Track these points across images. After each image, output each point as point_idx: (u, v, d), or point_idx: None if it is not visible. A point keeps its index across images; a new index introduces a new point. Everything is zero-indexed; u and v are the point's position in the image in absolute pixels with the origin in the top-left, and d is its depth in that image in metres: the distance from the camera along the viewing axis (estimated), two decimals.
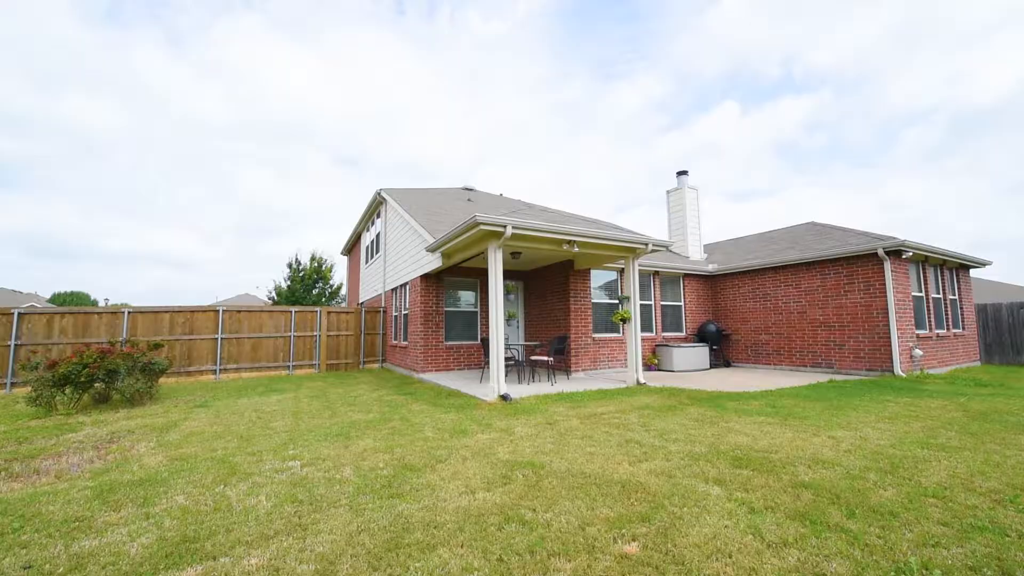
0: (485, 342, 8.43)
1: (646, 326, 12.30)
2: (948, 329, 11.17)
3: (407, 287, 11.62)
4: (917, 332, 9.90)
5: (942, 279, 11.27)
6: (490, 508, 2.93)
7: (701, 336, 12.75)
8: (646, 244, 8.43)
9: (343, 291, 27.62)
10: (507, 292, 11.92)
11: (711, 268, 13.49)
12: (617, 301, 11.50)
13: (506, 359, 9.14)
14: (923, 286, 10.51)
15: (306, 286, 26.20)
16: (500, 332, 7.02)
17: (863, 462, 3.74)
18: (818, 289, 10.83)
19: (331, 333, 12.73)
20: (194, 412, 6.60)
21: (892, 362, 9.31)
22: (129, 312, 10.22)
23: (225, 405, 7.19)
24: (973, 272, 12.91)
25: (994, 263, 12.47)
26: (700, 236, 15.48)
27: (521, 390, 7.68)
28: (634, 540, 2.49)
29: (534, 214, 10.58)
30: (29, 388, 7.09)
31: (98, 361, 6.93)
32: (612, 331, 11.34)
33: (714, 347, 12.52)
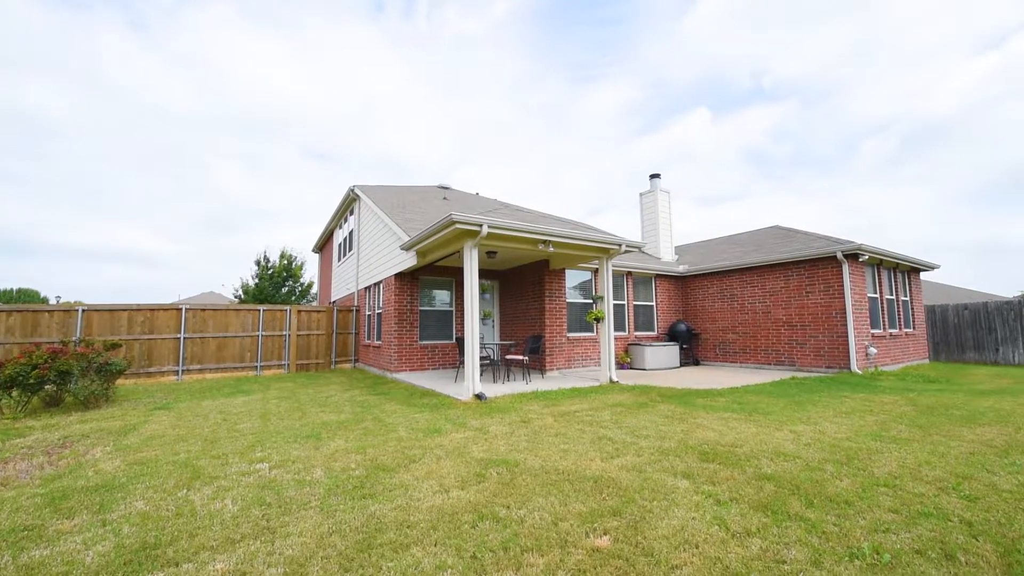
0: (460, 341, 8.40)
1: (619, 325, 12.51)
2: (900, 328, 11.81)
3: (381, 285, 11.46)
4: (872, 331, 10.44)
5: (895, 281, 11.91)
6: (464, 506, 2.94)
7: (672, 335, 13.06)
8: (619, 245, 8.58)
9: (314, 289, 26.98)
10: (482, 291, 11.91)
11: (682, 269, 13.84)
12: (591, 301, 11.66)
13: (481, 358, 9.14)
14: (878, 288, 11.08)
15: (275, 284, 25.45)
16: (475, 331, 7.01)
17: (821, 454, 3.92)
18: (782, 290, 11.27)
19: (301, 332, 12.42)
20: (154, 414, 6.32)
21: (849, 360, 9.78)
22: (84, 310, 9.70)
23: (188, 407, 6.92)
24: (923, 275, 13.70)
25: (942, 267, 13.29)
26: (671, 238, 15.86)
27: (496, 389, 7.70)
28: (606, 534, 2.54)
29: (510, 213, 10.61)
30: None
31: (49, 362, 6.55)
32: (586, 330, 11.49)
33: (684, 346, 12.86)
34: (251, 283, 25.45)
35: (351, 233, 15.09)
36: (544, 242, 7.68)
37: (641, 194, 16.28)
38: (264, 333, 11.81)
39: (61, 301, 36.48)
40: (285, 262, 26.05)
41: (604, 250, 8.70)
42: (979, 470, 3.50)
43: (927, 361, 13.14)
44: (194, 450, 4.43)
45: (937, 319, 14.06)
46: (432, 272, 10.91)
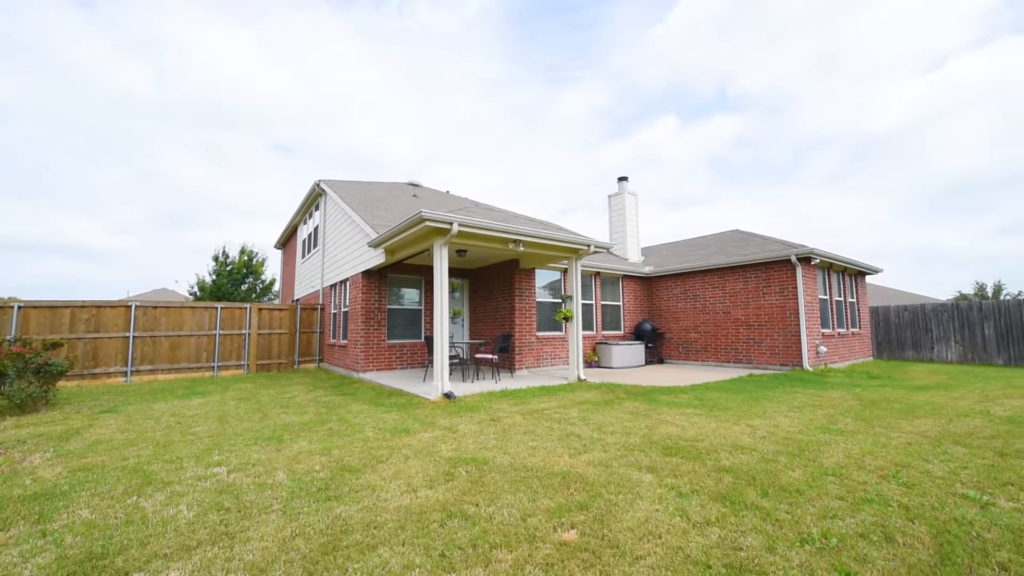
0: (429, 340, 8.33)
1: (587, 325, 12.72)
2: (848, 328, 12.55)
3: (347, 283, 11.19)
4: (822, 331, 11.04)
5: (843, 284, 12.64)
6: (432, 505, 2.92)
7: (638, 334, 13.39)
8: (588, 245, 8.72)
9: (276, 287, 26.06)
10: (452, 290, 11.84)
11: (648, 270, 14.20)
12: (560, 300, 11.79)
13: (451, 357, 9.09)
14: (827, 290, 11.74)
15: (234, 281, 24.43)
16: (445, 330, 6.97)
17: (775, 447, 4.13)
18: (740, 291, 11.76)
19: (262, 331, 11.97)
20: (100, 418, 5.95)
21: (802, 358, 10.31)
22: (20, 307, 9.00)
23: (138, 410, 6.55)
24: (868, 278, 14.60)
25: (885, 271, 14.20)
26: (638, 239, 16.24)
27: (465, 388, 7.67)
28: (573, 528, 2.59)
29: (481, 212, 10.58)
30: None
31: None
32: (555, 329, 11.62)
33: (649, 345, 13.20)
34: (208, 280, 24.33)
35: (316, 229, 14.67)
36: (515, 241, 7.71)
37: (609, 196, 16.59)
38: (222, 332, 11.31)
39: None
40: (245, 258, 25.04)
41: (573, 250, 8.83)
42: (916, 459, 3.78)
43: (871, 359, 14.02)
44: (145, 455, 4.20)
45: (880, 319, 15.02)
46: (401, 270, 10.75)
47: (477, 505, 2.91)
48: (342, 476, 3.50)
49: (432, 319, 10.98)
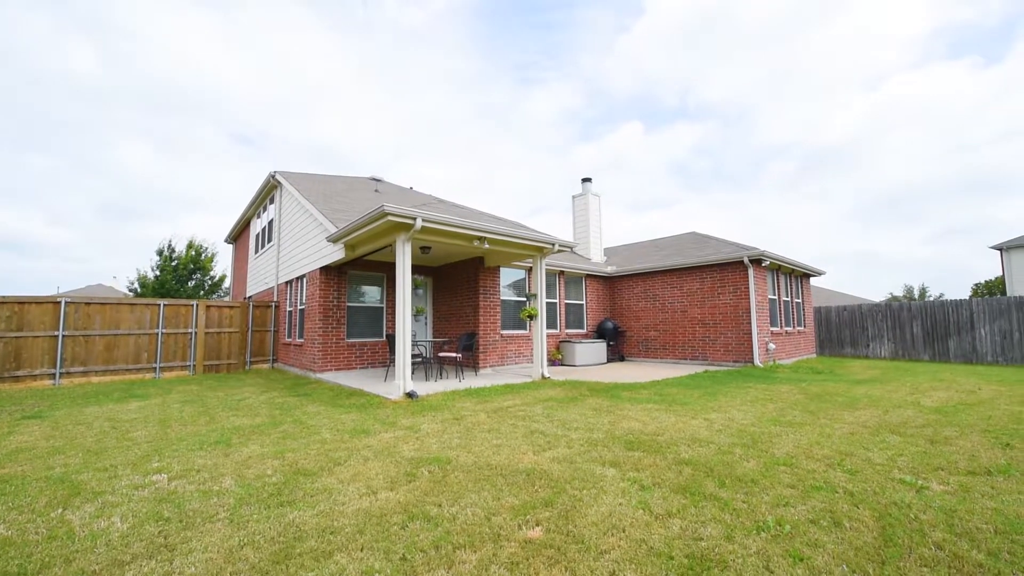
0: (391, 339, 8.11)
1: (551, 323, 12.80)
2: (794, 327, 13.28)
3: (304, 280, 10.75)
4: (772, 329, 11.62)
5: (791, 285, 13.36)
6: (393, 507, 2.82)
7: (600, 333, 13.62)
8: (553, 244, 8.77)
9: (227, 283, 24.75)
10: (415, 287, 11.61)
11: (610, 270, 14.48)
12: (525, 299, 11.81)
13: (413, 356, 8.89)
14: (776, 290, 12.37)
15: (180, 277, 22.99)
16: (407, 328, 6.80)
17: (731, 439, 4.27)
18: (697, 291, 12.19)
19: (211, 330, 11.29)
20: (22, 424, 5.41)
21: (753, 354, 10.81)
22: None
23: (67, 415, 6.00)
24: (812, 280, 15.50)
25: (828, 273, 15.14)
26: (601, 240, 16.52)
27: (428, 387, 7.53)
28: (538, 525, 2.56)
29: (445, 208, 10.43)
30: None
31: None
32: (519, 328, 11.63)
33: (611, 342, 13.46)
34: (151, 276, 22.78)
35: (271, 223, 14.00)
36: (480, 239, 7.64)
37: (574, 197, 16.78)
38: (165, 331, 10.58)
39: None
40: (193, 253, 23.63)
41: (538, 249, 8.85)
42: (858, 447, 4.01)
43: (815, 355, 14.90)
44: (74, 463, 3.84)
45: (823, 318, 16.00)
46: (362, 267, 10.43)
47: (440, 505, 2.83)
48: (296, 480, 3.32)
49: (394, 317, 10.72)
